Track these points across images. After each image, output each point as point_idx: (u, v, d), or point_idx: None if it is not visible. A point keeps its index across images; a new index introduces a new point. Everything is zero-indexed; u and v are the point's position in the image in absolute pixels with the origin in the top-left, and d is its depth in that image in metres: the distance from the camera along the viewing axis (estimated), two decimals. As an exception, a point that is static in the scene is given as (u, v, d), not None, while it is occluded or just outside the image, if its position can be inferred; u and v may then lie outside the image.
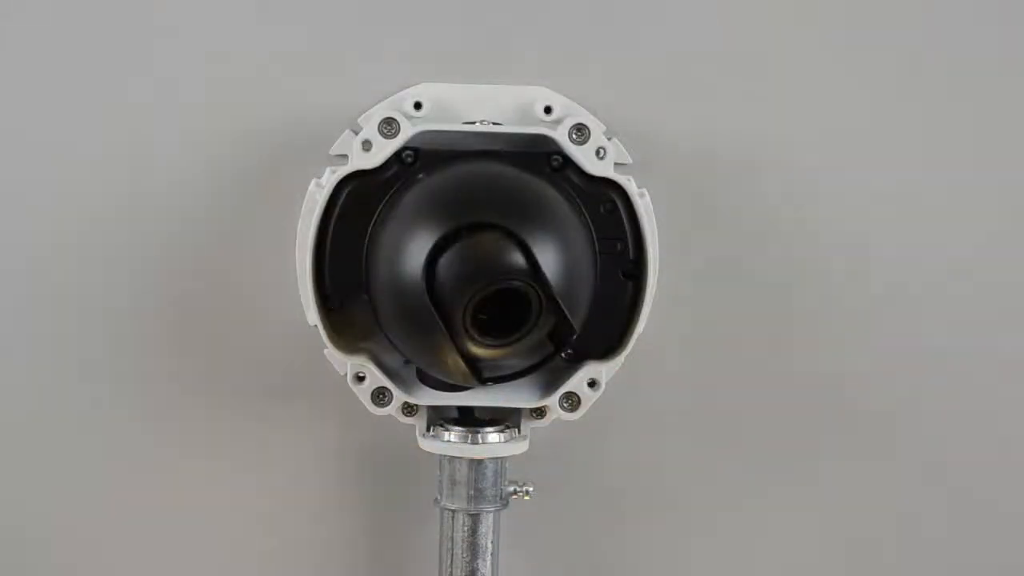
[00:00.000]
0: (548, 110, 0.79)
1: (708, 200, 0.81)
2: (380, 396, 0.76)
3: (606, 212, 0.75)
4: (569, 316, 0.70)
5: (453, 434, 0.77)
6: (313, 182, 0.76)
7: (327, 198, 0.74)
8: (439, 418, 0.78)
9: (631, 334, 0.75)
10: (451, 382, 0.73)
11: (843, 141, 0.81)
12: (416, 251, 0.70)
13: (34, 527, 0.83)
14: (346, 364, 0.75)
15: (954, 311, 0.83)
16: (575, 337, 0.72)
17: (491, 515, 0.78)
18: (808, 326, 0.82)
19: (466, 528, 0.77)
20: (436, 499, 0.78)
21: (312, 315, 0.74)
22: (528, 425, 0.78)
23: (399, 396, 0.76)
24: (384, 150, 0.74)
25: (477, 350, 0.71)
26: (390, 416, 0.76)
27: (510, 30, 0.80)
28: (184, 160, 0.80)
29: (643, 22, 0.80)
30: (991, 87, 0.81)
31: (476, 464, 0.77)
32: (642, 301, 0.75)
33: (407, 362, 0.76)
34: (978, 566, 0.85)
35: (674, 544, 0.85)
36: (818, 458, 0.84)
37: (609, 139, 0.76)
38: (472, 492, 0.77)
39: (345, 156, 0.77)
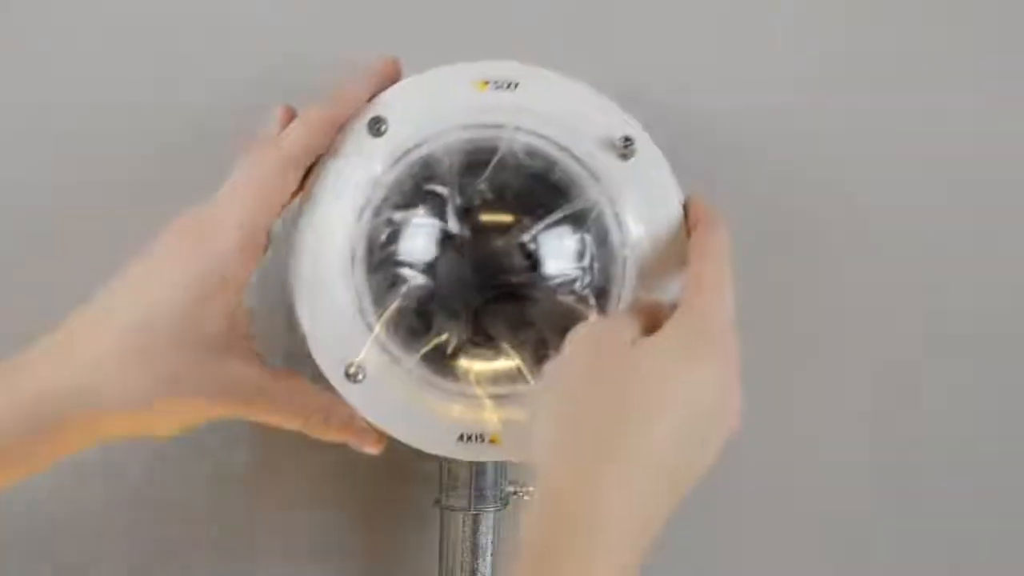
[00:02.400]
0: None
1: (708, 200, 0.80)
2: (381, 396, 0.76)
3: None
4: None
5: (454, 434, 0.77)
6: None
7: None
8: (439, 418, 0.78)
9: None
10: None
11: (847, 138, 0.81)
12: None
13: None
14: (346, 363, 0.75)
15: (964, 310, 0.83)
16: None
17: (491, 515, 0.77)
18: (809, 326, 0.82)
19: (466, 528, 0.77)
20: (436, 499, 0.78)
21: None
22: (529, 425, 0.78)
23: (400, 396, 0.76)
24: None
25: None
26: (391, 416, 0.76)
27: (501, 22, 0.80)
28: (184, 160, 0.80)
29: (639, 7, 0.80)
30: (991, 84, 0.81)
31: (476, 464, 0.77)
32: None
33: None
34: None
35: (673, 543, 0.85)
36: (818, 458, 0.84)
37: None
38: (473, 492, 0.77)
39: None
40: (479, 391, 0.71)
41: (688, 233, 0.70)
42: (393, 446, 0.74)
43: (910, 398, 0.84)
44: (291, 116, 0.72)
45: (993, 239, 0.82)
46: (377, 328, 0.71)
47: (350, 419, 0.72)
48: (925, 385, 0.84)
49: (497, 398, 0.72)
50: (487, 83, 0.71)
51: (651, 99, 0.79)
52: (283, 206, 0.70)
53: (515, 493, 0.78)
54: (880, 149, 0.81)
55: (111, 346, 0.68)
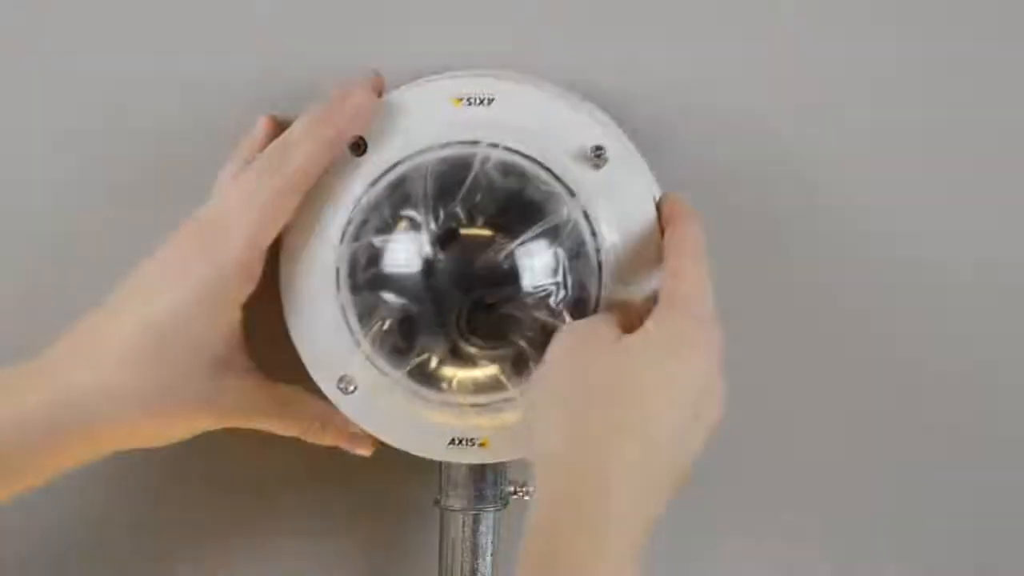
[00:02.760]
0: None
1: (710, 200, 0.80)
2: (380, 396, 0.76)
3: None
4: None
5: (453, 434, 0.77)
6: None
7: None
8: (439, 418, 0.78)
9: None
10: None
11: (850, 141, 0.81)
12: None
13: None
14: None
15: (964, 310, 0.83)
16: None
17: (491, 515, 0.78)
18: (810, 327, 0.82)
19: (466, 528, 0.77)
20: (436, 499, 0.78)
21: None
22: (528, 425, 0.78)
23: (399, 396, 0.76)
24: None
25: (472, 350, 0.71)
26: (390, 416, 0.77)
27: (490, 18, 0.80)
28: (184, 160, 0.79)
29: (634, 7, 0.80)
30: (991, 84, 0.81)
31: (476, 464, 0.77)
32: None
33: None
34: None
35: (673, 544, 0.85)
36: (818, 459, 0.84)
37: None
38: (472, 492, 0.77)
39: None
40: (463, 400, 0.72)
41: (662, 231, 0.71)
42: (393, 446, 0.75)
43: (910, 398, 0.84)
44: (275, 127, 0.73)
45: (993, 239, 0.82)
46: (364, 344, 0.72)
47: (345, 425, 0.74)
48: (925, 385, 0.83)
49: (481, 407, 0.72)
50: (461, 100, 0.72)
51: (644, 99, 0.79)
52: (284, 223, 0.70)
53: (515, 493, 0.78)
54: (879, 149, 0.81)
55: (113, 347, 0.69)
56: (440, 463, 0.77)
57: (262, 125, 0.74)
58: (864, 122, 0.80)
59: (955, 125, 0.81)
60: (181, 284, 0.69)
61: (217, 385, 0.70)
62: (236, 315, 0.71)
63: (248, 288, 0.70)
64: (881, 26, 0.80)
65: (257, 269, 0.70)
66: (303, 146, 0.70)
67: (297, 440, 0.75)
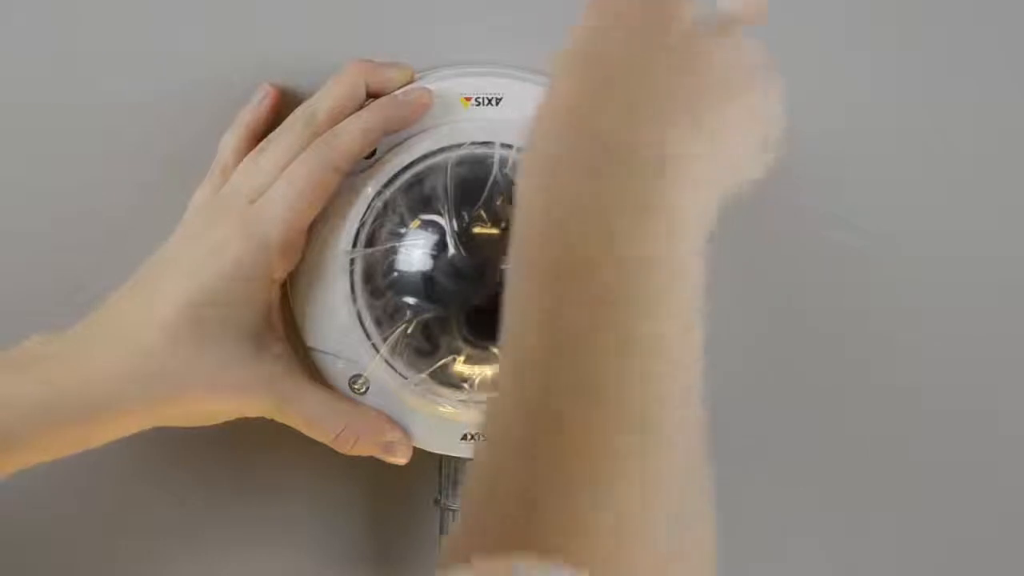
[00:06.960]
0: None
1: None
2: (380, 395, 0.76)
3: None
4: None
5: (453, 433, 0.77)
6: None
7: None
8: (439, 417, 0.78)
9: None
10: (451, 382, 0.74)
11: (850, 142, 0.81)
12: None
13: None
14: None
15: (964, 310, 0.83)
16: None
17: (491, 515, 0.78)
18: (810, 327, 0.82)
19: (466, 527, 0.77)
20: (436, 499, 0.78)
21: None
22: (528, 424, 0.78)
23: (400, 396, 0.76)
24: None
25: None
26: (390, 415, 0.77)
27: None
28: (185, 160, 0.79)
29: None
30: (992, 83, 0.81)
31: (476, 463, 0.77)
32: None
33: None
34: None
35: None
36: (818, 465, 0.84)
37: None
38: (472, 492, 0.77)
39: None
40: (480, 396, 0.72)
41: None
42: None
43: (909, 398, 0.84)
44: (279, 98, 0.74)
45: (993, 239, 0.82)
46: (383, 348, 0.72)
47: (379, 433, 0.74)
48: (925, 384, 0.83)
49: None
50: (469, 99, 0.72)
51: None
52: (325, 202, 0.71)
53: (514, 492, 0.78)
54: (879, 149, 0.81)
55: (149, 327, 0.69)
56: (440, 462, 0.77)
57: (268, 97, 0.75)
58: (865, 122, 0.80)
59: (955, 125, 0.81)
60: (221, 261, 0.69)
61: (255, 369, 0.70)
62: (275, 293, 0.71)
63: (289, 266, 0.71)
64: (881, 26, 0.80)
65: (299, 246, 0.71)
66: (352, 132, 0.71)
67: (296, 440, 0.74)
